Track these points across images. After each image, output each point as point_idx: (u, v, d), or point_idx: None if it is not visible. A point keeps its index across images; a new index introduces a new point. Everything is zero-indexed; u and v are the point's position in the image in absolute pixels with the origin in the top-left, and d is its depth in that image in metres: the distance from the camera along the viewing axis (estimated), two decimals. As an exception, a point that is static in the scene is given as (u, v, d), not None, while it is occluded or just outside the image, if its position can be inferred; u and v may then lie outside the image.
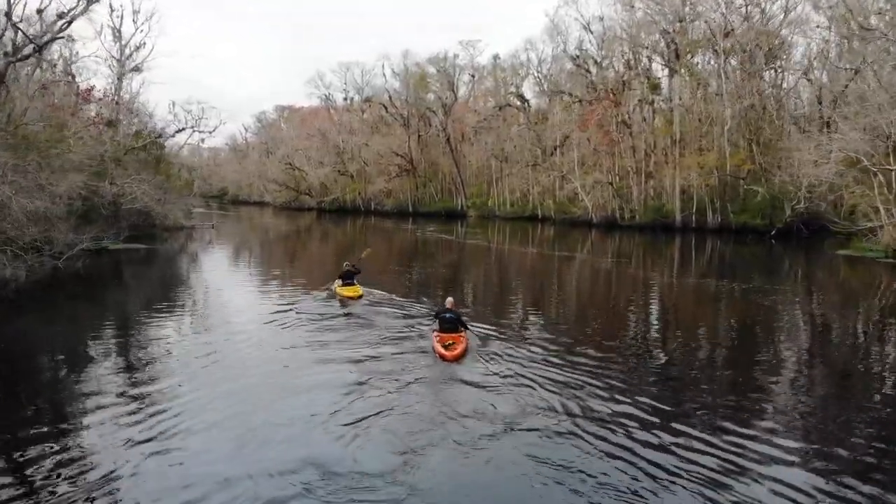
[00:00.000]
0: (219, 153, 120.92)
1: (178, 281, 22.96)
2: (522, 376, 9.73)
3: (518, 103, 63.55)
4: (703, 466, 6.65)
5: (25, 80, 28.78)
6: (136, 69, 42.80)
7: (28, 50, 23.60)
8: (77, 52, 38.22)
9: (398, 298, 17.08)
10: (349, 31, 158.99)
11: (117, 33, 41.84)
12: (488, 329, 13.02)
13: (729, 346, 13.21)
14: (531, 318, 16.03)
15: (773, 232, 37.29)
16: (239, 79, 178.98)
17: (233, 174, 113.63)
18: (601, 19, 50.68)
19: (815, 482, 6.43)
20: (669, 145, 45.82)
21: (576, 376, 9.79)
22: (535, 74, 61.83)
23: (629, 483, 6.33)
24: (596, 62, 52.58)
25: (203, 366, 10.45)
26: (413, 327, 13.27)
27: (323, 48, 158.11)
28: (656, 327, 15.38)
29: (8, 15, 23.12)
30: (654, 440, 7.37)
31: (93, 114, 37.75)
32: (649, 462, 6.78)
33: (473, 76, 70.75)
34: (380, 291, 17.80)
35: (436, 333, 11.52)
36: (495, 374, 9.94)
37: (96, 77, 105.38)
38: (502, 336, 12.60)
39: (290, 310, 15.28)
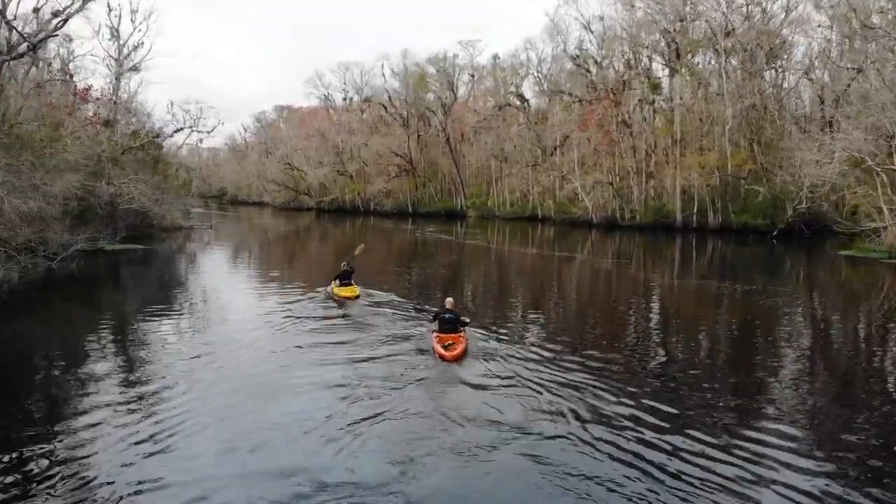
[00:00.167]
0: (218, 153, 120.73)
1: (175, 282, 22.76)
2: (523, 377, 9.62)
3: (518, 103, 63.34)
4: (707, 470, 6.51)
5: (21, 78, 28.55)
6: (135, 69, 42.60)
7: (22, 48, 23.35)
8: (73, 51, 38.09)
9: (397, 299, 16.93)
10: (348, 31, 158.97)
11: (115, 33, 41.66)
12: (488, 330, 12.88)
13: (731, 348, 13.02)
14: (531, 319, 15.86)
15: (775, 232, 37.05)
16: (238, 79, 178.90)
17: (232, 174, 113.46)
18: (601, 19, 50.52)
19: (822, 485, 6.33)
20: (670, 145, 45.59)
21: (576, 377, 9.66)
22: (535, 74, 61.73)
23: (634, 488, 6.18)
24: (596, 62, 52.36)
25: (196, 368, 10.26)
26: (412, 328, 13.12)
27: (322, 48, 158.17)
28: (657, 329, 15.20)
29: (2, 13, 22.89)
30: (656, 442, 7.23)
31: (90, 113, 37.51)
32: (651, 464, 6.66)
33: (473, 76, 70.55)
34: (379, 292, 17.68)
35: (435, 334, 11.44)
36: (495, 375, 9.83)
37: (94, 77, 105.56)
38: (502, 337, 12.45)
39: (288, 311, 15.12)
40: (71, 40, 37.13)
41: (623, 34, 49.23)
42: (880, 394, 9.77)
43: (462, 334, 11.37)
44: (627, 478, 6.37)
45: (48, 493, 6.04)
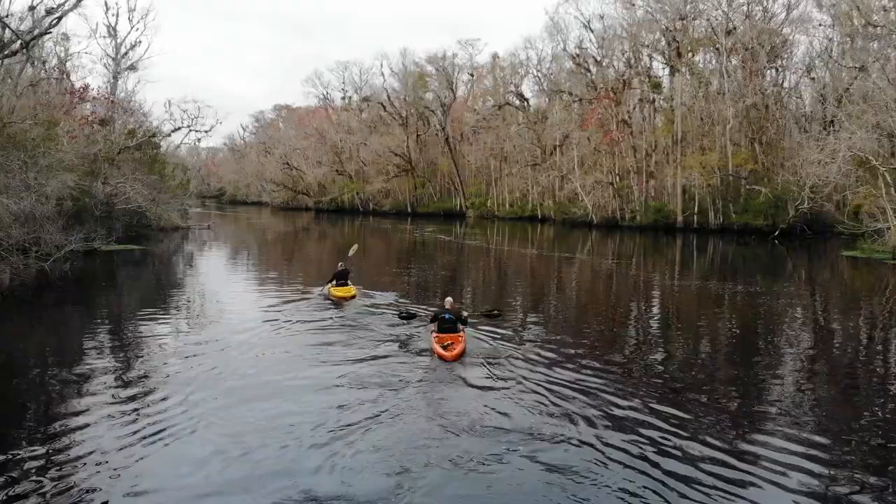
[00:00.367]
0: (217, 153, 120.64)
1: (171, 283, 22.51)
2: (523, 378, 9.52)
3: (517, 102, 63.11)
4: (709, 472, 6.42)
5: (16, 77, 28.24)
6: (132, 68, 42.44)
7: (15, 46, 23.06)
8: (69, 49, 37.85)
9: (396, 300, 16.80)
10: (348, 31, 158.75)
11: (112, 31, 41.47)
12: (488, 330, 12.75)
13: (732, 349, 12.82)
14: (531, 319, 15.67)
15: (777, 233, 36.79)
16: (237, 78, 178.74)
17: (230, 174, 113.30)
18: (601, 17, 50.21)
19: (824, 485, 6.25)
20: (671, 145, 45.35)
21: (577, 379, 9.54)
22: (535, 73, 61.42)
23: (635, 488, 6.08)
24: (596, 61, 52.08)
25: (190, 370, 10.04)
26: (411, 328, 12.96)
27: (321, 47, 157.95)
28: (657, 330, 15.01)
29: (-5, 10, 22.60)
30: (657, 443, 7.16)
31: (88, 112, 37.22)
32: (652, 465, 6.57)
33: (472, 75, 70.24)
34: (377, 292, 17.60)
35: (434, 334, 11.34)
36: (495, 376, 9.73)
37: (92, 76, 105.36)
38: (502, 338, 12.29)
39: (284, 312, 14.98)
40: (68, 39, 36.96)
41: (623, 33, 49.06)
42: (884, 395, 9.63)
43: (461, 335, 11.27)
44: (628, 480, 6.25)
45: (40, 496, 5.95)
